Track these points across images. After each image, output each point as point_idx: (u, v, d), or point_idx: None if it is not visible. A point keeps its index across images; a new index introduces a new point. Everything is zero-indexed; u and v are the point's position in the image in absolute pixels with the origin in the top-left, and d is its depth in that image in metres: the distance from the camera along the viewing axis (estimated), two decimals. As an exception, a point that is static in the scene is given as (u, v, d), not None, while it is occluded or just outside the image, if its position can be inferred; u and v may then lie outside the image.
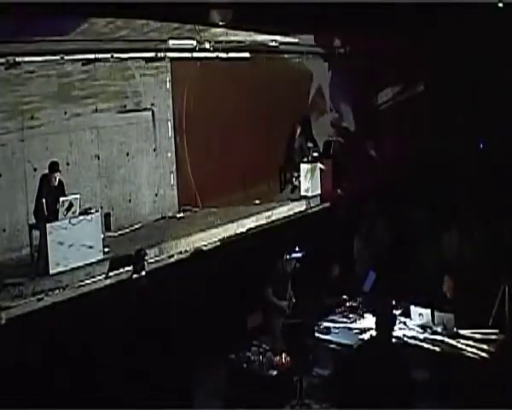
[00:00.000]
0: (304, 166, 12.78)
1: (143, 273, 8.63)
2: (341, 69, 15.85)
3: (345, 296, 9.36)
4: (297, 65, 14.82)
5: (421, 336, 8.12)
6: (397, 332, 8.09)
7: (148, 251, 9.09)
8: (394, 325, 6.31)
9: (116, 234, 10.34)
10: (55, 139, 9.92)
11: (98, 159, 10.62)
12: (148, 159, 11.49)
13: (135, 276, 8.64)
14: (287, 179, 13.28)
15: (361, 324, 8.63)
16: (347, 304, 9.24)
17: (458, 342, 7.91)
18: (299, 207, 12.35)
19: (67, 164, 10.04)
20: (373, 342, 7.30)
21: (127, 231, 10.64)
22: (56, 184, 8.85)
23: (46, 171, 8.90)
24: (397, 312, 8.60)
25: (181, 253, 9.91)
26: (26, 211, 9.37)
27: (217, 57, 12.16)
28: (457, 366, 7.44)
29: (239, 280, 9.38)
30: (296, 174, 13.03)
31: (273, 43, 12.62)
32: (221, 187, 12.29)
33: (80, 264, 8.76)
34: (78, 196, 8.93)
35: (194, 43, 11.11)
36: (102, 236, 9.33)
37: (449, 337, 8.02)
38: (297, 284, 8.99)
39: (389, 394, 5.67)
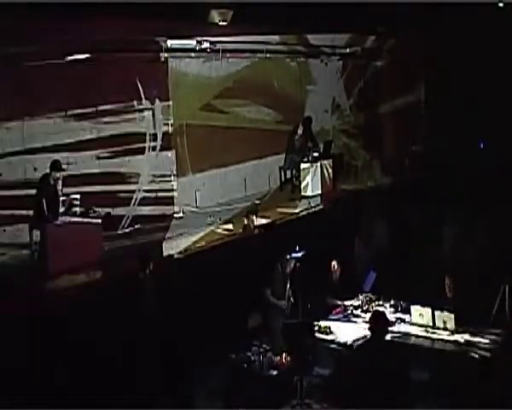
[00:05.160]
0: (304, 166, 12.79)
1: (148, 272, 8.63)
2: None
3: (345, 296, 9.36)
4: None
5: (422, 336, 8.11)
6: (397, 332, 8.11)
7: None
8: (387, 327, 6.31)
9: (116, 234, 10.36)
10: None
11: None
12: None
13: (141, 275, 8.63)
14: (287, 179, 13.30)
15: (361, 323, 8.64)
16: (348, 303, 9.23)
17: (458, 341, 7.91)
18: (300, 206, 12.36)
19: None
20: (373, 342, 7.28)
21: (127, 231, 10.67)
22: (56, 183, 8.85)
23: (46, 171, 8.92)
24: (397, 311, 8.63)
25: (181, 253, 9.92)
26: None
27: (216, 57, 12.20)
28: (457, 366, 7.44)
29: (239, 280, 9.37)
30: (296, 174, 13.06)
31: (273, 43, 12.64)
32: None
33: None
34: (77, 195, 8.93)
35: (194, 42, 11.13)
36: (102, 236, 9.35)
37: (449, 337, 8.02)
38: (296, 283, 8.97)
39: (389, 394, 5.67)
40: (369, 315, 8.57)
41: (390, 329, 7.06)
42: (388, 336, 6.20)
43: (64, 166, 9.36)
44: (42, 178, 8.90)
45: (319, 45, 14.48)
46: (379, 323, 6.15)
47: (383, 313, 6.67)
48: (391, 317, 8.23)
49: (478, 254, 9.97)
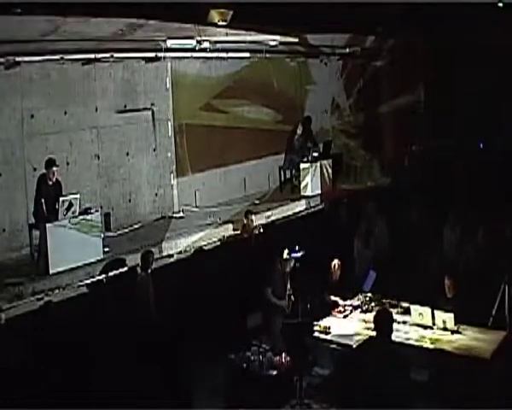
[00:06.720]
0: (304, 166, 12.79)
1: (149, 272, 8.64)
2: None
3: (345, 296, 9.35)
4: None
5: (421, 336, 8.11)
6: (397, 332, 8.10)
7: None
8: (392, 325, 6.28)
9: (116, 234, 10.35)
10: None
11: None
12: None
13: (142, 275, 8.65)
14: (286, 179, 13.30)
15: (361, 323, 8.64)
16: (348, 303, 9.22)
17: (458, 341, 7.91)
18: (299, 206, 12.36)
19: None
20: (373, 342, 7.28)
21: (127, 231, 10.66)
22: (54, 182, 8.85)
23: (44, 171, 8.92)
24: (397, 311, 8.62)
25: (180, 252, 9.92)
26: (26, 211, 9.38)
27: (216, 57, 12.19)
28: (457, 366, 7.43)
29: (239, 280, 9.38)
30: (296, 174, 13.06)
31: (273, 43, 12.62)
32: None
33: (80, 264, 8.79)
34: (77, 195, 8.93)
35: (194, 42, 11.11)
36: (102, 236, 9.35)
37: (449, 337, 8.02)
38: (296, 283, 8.98)
39: (389, 394, 5.67)
40: (368, 315, 8.62)
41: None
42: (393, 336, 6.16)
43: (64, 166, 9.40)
44: (39, 178, 8.89)
45: (319, 45, 14.46)
46: (384, 322, 6.12)
47: (388, 312, 6.62)
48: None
49: (478, 254, 9.96)
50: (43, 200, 8.71)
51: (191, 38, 11.01)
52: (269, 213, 11.64)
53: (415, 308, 8.45)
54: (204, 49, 11.58)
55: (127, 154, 11.17)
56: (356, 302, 9.21)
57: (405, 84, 16.92)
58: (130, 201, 11.17)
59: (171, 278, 9.10)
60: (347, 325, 8.68)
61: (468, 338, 7.94)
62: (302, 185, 12.81)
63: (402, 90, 16.95)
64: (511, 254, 9.28)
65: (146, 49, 10.96)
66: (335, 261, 9.48)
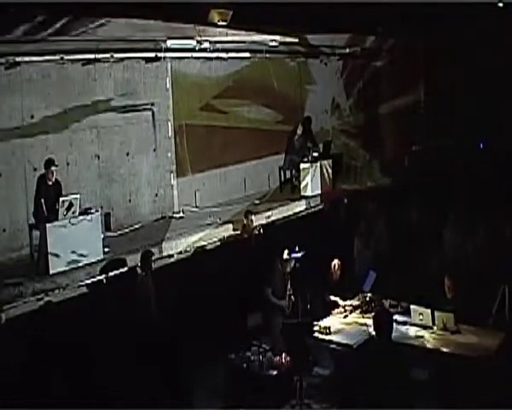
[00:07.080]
0: (304, 166, 12.79)
1: (149, 272, 8.64)
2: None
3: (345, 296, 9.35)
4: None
5: (421, 336, 8.11)
6: (397, 332, 8.09)
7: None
8: (392, 325, 6.28)
9: (116, 234, 10.35)
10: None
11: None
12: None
13: (142, 275, 8.65)
14: (286, 179, 13.30)
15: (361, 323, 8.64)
16: (348, 303, 9.22)
17: (458, 341, 7.91)
18: (299, 206, 12.35)
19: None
20: (373, 342, 7.28)
21: (127, 231, 10.65)
22: (54, 182, 8.84)
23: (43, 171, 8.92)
24: (397, 311, 8.61)
25: (181, 252, 9.92)
26: (26, 211, 9.37)
27: (216, 57, 12.19)
28: (457, 366, 7.43)
29: (239, 280, 9.37)
30: (296, 174, 13.06)
31: (273, 43, 12.62)
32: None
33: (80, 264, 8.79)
34: (77, 195, 8.92)
35: (194, 42, 11.12)
36: (102, 236, 9.34)
37: (449, 337, 8.02)
38: (296, 283, 8.98)
39: (389, 394, 5.67)
40: (368, 315, 8.61)
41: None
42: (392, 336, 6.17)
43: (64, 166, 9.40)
44: (39, 178, 8.89)
45: (319, 45, 14.47)
46: (384, 322, 6.12)
47: (388, 312, 6.61)
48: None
49: (478, 254, 9.97)
50: (42, 200, 8.71)
51: (191, 38, 11.03)
52: (269, 213, 11.64)
53: (415, 308, 8.45)
54: (204, 49, 11.59)
55: (127, 154, 11.16)
56: (356, 302, 9.21)
57: (405, 84, 16.93)
58: (130, 201, 11.17)
59: (172, 278, 9.10)
60: (347, 325, 8.68)
61: (468, 338, 7.94)
62: (302, 185, 12.80)
63: (402, 90, 16.96)
64: (511, 254, 9.29)
65: (146, 49, 10.97)
66: (335, 261, 9.48)
